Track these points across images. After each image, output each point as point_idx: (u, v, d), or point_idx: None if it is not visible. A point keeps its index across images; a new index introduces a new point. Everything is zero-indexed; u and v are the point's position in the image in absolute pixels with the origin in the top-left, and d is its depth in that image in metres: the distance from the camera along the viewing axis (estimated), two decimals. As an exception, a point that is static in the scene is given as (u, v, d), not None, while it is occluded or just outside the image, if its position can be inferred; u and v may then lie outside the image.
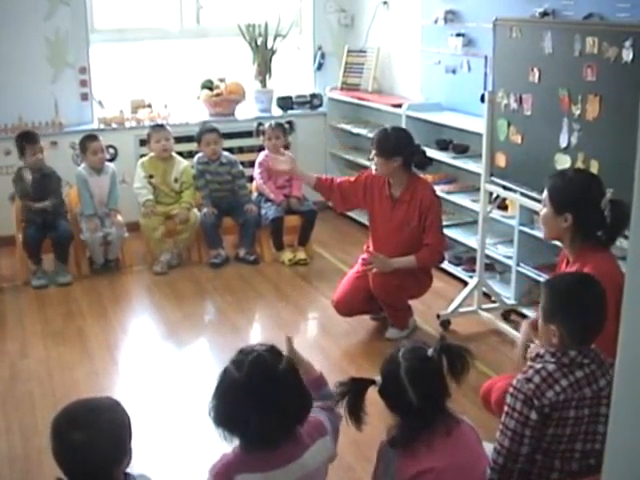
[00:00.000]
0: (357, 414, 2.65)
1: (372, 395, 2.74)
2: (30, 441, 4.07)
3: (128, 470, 2.44)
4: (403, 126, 6.58)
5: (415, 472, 2.61)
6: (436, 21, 6.55)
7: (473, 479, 2.69)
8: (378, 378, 2.71)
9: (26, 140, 6.23)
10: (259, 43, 7.80)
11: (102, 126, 7.37)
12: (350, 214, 7.28)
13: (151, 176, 6.65)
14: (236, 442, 2.55)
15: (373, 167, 5.10)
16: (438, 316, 5.30)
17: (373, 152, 5.04)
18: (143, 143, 7.13)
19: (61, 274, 6.29)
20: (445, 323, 5.29)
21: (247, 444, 2.50)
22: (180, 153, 6.87)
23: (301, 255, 6.63)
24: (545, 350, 2.86)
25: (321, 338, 5.33)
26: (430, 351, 2.72)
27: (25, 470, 3.84)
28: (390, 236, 5.11)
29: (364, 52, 7.79)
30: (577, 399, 2.77)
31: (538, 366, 2.81)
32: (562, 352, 2.81)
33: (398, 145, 5.02)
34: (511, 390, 2.79)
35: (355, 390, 2.67)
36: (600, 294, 2.86)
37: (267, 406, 2.43)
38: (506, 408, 2.80)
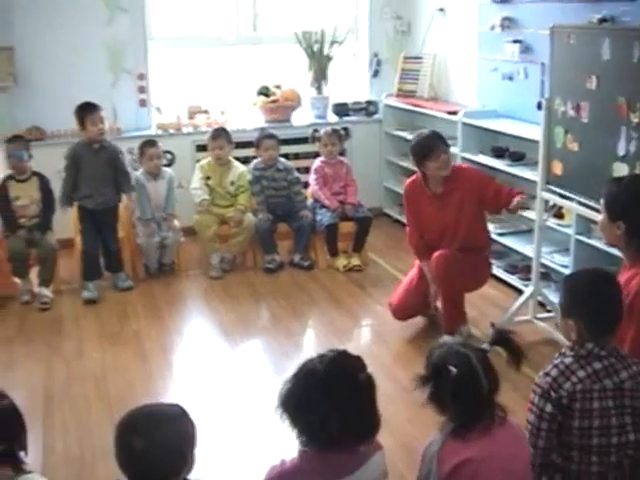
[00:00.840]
0: (440, 400, 2.68)
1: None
2: (85, 441, 4.14)
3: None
4: (459, 133, 6.59)
5: (455, 463, 2.62)
6: (493, 28, 6.52)
7: (513, 473, 2.69)
8: (452, 368, 2.71)
9: (86, 110, 6.21)
10: (315, 50, 7.84)
11: (160, 132, 7.47)
12: (404, 221, 7.28)
13: (208, 178, 6.73)
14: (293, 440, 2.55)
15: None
16: (492, 324, 5.27)
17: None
18: (200, 149, 7.23)
19: (121, 279, 6.38)
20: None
21: (306, 439, 2.49)
22: (236, 158, 6.91)
23: (355, 261, 6.64)
24: (565, 347, 2.95)
25: (374, 345, 5.34)
26: (485, 345, 2.76)
27: (79, 470, 3.90)
28: (447, 232, 5.17)
29: (420, 59, 7.78)
30: (598, 390, 2.83)
31: (556, 360, 2.90)
32: (580, 345, 2.88)
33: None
34: (533, 386, 2.89)
35: (437, 377, 2.69)
36: (616, 289, 2.96)
37: (336, 405, 2.42)
38: (529, 404, 2.90)
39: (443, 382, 2.66)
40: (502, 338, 2.79)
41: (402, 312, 5.39)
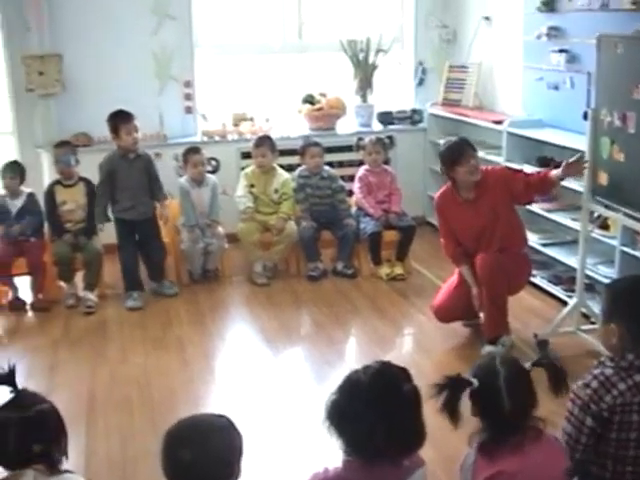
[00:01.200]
0: (453, 410, 2.66)
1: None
2: (128, 445, 4.18)
3: None
4: (504, 143, 6.57)
5: (487, 476, 2.60)
6: (539, 37, 6.49)
7: None
8: (475, 381, 2.70)
9: (120, 118, 6.17)
10: (360, 58, 7.85)
11: (205, 139, 7.52)
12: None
13: (252, 185, 6.76)
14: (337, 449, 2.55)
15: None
16: (535, 335, 5.24)
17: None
18: (245, 156, 7.26)
19: (166, 286, 6.41)
20: (542, 343, 5.22)
21: (351, 450, 2.48)
22: (281, 166, 6.93)
23: (398, 270, 6.63)
24: (604, 357, 2.91)
25: (416, 354, 5.33)
26: (528, 364, 2.74)
27: (121, 474, 3.94)
28: (483, 236, 5.18)
29: (465, 68, 7.76)
30: (638, 403, 2.79)
31: (596, 371, 2.86)
32: (620, 356, 2.84)
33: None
34: (571, 395, 2.84)
35: (453, 387, 2.68)
36: None
37: (382, 416, 2.41)
38: (566, 413, 2.86)
39: (459, 392, 2.66)
40: (545, 362, 2.76)
41: (443, 313, 5.39)
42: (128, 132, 6.16)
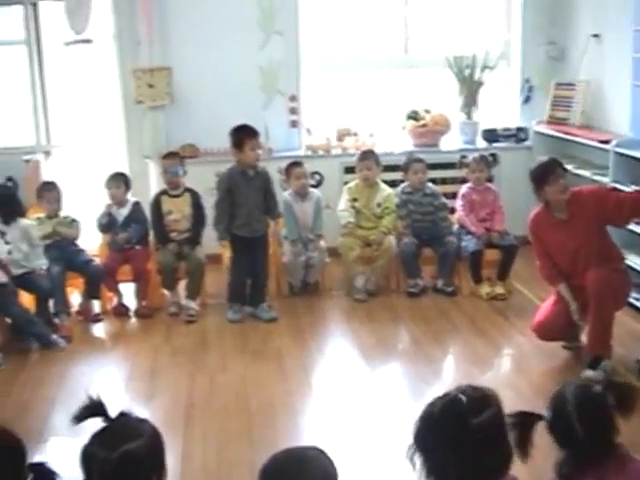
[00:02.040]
0: (523, 446, 2.61)
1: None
2: (223, 452, 4.22)
3: None
4: (611, 163, 6.44)
5: None
6: (649, 55, 6.35)
7: None
8: (546, 414, 2.66)
9: (246, 133, 6.08)
10: (466, 74, 7.81)
11: (309, 153, 7.58)
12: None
13: (355, 199, 6.78)
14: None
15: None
16: (638, 361, 5.11)
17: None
18: (348, 171, 7.29)
19: (264, 310, 6.26)
20: (646, 369, 5.11)
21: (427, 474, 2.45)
22: (383, 181, 6.93)
23: (499, 290, 6.55)
24: None
25: (514, 375, 5.24)
26: (596, 387, 2.67)
27: (217, 479, 3.98)
28: (578, 256, 5.11)
29: (573, 85, 7.63)
30: None
31: None
32: None
33: None
34: None
35: (523, 423, 2.63)
36: None
37: (449, 450, 2.37)
38: None
39: (529, 428, 2.58)
40: (613, 385, 2.69)
41: (543, 330, 5.30)
42: (252, 148, 6.11)
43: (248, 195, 6.19)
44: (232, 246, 6.33)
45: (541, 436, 2.58)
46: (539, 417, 2.66)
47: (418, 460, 2.37)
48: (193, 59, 7.45)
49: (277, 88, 7.67)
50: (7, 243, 5.65)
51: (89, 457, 2.21)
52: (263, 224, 6.35)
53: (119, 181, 6.55)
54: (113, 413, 2.28)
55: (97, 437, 2.24)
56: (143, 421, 2.37)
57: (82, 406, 2.29)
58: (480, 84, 7.84)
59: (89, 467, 2.20)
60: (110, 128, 8.01)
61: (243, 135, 6.08)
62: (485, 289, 6.56)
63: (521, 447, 2.58)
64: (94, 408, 2.29)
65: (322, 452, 2.35)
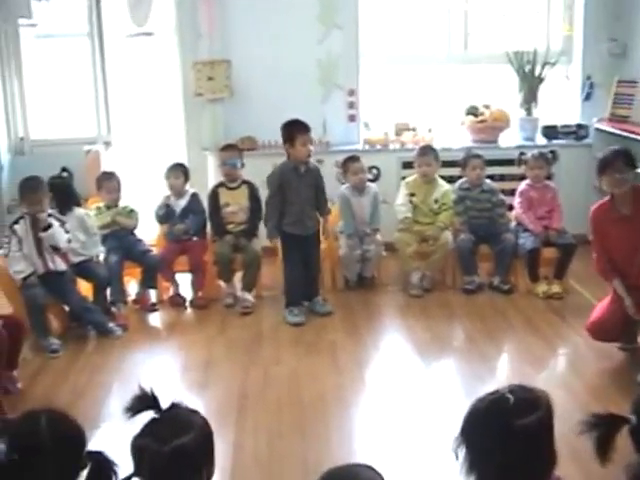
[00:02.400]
0: (605, 450, 2.56)
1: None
2: (274, 443, 4.24)
3: None
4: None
5: None
6: None
7: None
8: (633, 417, 2.60)
9: (297, 128, 5.98)
10: (526, 71, 7.74)
11: (367, 147, 7.58)
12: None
13: (412, 194, 6.76)
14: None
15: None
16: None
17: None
18: (405, 166, 7.27)
19: (319, 304, 6.25)
20: None
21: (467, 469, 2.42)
22: (441, 177, 6.90)
23: (556, 289, 6.48)
24: None
25: (568, 375, 5.17)
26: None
27: (267, 471, 3.99)
28: (635, 254, 5.02)
29: (635, 83, 7.51)
30: None
31: None
32: None
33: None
34: None
35: (609, 425, 2.57)
36: None
37: (490, 449, 2.34)
38: None
39: (614, 431, 2.48)
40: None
41: (598, 329, 5.21)
42: (304, 143, 5.98)
43: (300, 191, 6.09)
44: (283, 244, 6.27)
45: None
46: (626, 420, 2.59)
47: (461, 453, 2.36)
48: (253, 52, 7.49)
49: (336, 82, 7.67)
50: (67, 232, 5.72)
51: (140, 448, 2.24)
52: (315, 221, 6.25)
53: (178, 172, 6.61)
54: (165, 404, 2.30)
55: (148, 428, 2.27)
56: (194, 413, 2.38)
57: (134, 398, 2.31)
58: (541, 80, 7.76)
59: (140, 458, 2.24)
60: (170, 120, 8.08)
61: (294, 130, 5.99)
62: (542, 288, 6.49)
63: (602, 450, 2.52)
64: (146, 401, 2.31)
65: (371, 468, 2.32)
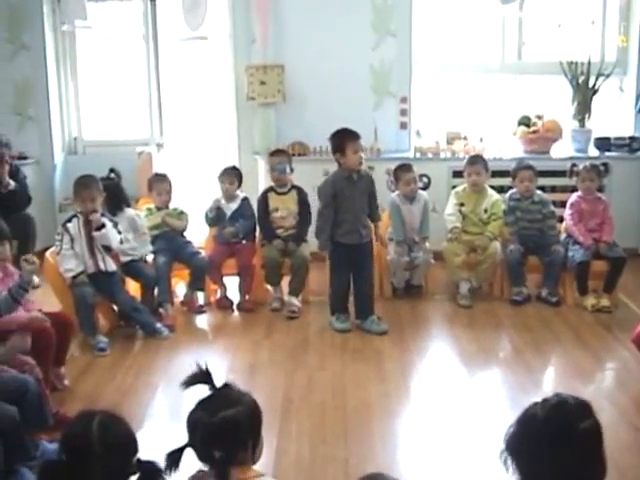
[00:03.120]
0: None
1: None
2: (317, 448, 4.22)
3: None
4: None
5: None
6: None
7: None
8: None
9: (347, 137, 5.82)
10: (580, 81, 7.68)
11: (418, 155, 7.57)
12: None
13: (462, 204, 6.74)
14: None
15: None
16: None
17: None
18: (456, 174, 7.26)
19: (375, 322, 5.97)
20: None
21: None
22: (492, 187, 6.87)
23: (605, 302, 6.41)
24: None
25: (615, 391, 5.10)
26: None
27: (310, 476, 3.98)
28: None
29: (691, 96, 7.44)
30: None
31: None
32: None
33: None
34: None
35: None
36: None
37: (553, 455, 2.33)
38: None
39: None
40: None
41: None
42: (355, 151, 5.82)
43: (355, 200, 5.94)
44: (333, 254, 6.07)
45: None
46: None
47: (511, 465, 2.35)
48: (306, 58, 7.54)
49: (388, 89, 7.70)
50: (119, 232, 5.79)
51: (193, 421, 2.44)
52: (368, 229, 6.11)
53: (232, 176, 6.65)
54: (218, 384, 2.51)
55: (201, 404, 2.48)
56: (244, 394, 2.60)
57: (191, 374, 2.53)
58: (594, 91, 7.70)
59: (193, 430, 2.44)
60: (222, 124, 8.15)
61: (344, 138, 5.85)
62: (590, 301, 6.42)
63: None
64: (202, 376, 2.53)
65: None
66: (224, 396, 2.54)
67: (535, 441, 2.32)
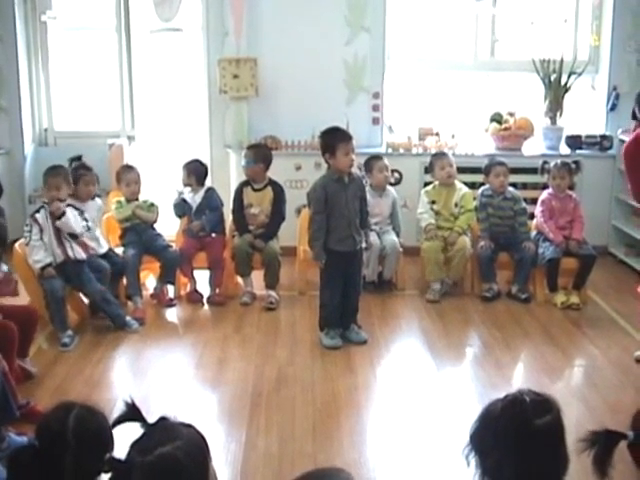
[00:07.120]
0: (603, 466, 2.54)
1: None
2: (286, 443, 4.22)
3: None
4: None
5: None
6: None
7: None
8: (630, 433, 2.59)
9: (339, 137, 5.47)
10: (552, 79, 7.71)
11: (390, 150, 7.57)
12: (630, 262, 7.09)
13: (433, 202, 6.76)
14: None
15: None
16: None
17: None
18: (428, 170, 7.26)
19: (355, 331, 5.72)
20: None
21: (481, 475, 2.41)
22: (464, 183, 6.88)
23: (574, 299, 6.44)
24: None
25: (585, 388, 5.13)
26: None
27: (278, 470, 3.97)
28: None
29: (663, 95, 7.48)
30: None
31: None
32: None
33: None
34: None
35: (606, 442, 2.56)
36: None
37: (508, 451, 2.33)
38: None
39: (611, 447, 2.48)
40: None
41: None
42: (346, 153, 5.44)
43: (348, 204, 5.53)
44: (327, 265, 5.60)
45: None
46: (623, 436, 2.58)
47: (473, 459, 2.35)
48: (279, 52, 7.52)
49: (361, 84, 7.69)
50: (85, 220, 5.76)
51: (129, 464, 2.14)
52: (362, 236, 5.69)
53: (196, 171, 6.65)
54: (152, 418, 2.25)
55: (134, 444, 2.18)
56: (185, 425, 2.26)
57: (119, 413, 2.29)
58: (566, 89, 7.73)
59: (129, 473, 2.13)
60: (194, 117, 8.11)
61: (335, 139, 5.48)
62: (560, 298, 6.46)
63: (601, 465, 2.51)
64: (130, 413, 2.27)
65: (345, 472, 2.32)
66: (160, 431, 2.21)
67: (492, 436, 2.33)
